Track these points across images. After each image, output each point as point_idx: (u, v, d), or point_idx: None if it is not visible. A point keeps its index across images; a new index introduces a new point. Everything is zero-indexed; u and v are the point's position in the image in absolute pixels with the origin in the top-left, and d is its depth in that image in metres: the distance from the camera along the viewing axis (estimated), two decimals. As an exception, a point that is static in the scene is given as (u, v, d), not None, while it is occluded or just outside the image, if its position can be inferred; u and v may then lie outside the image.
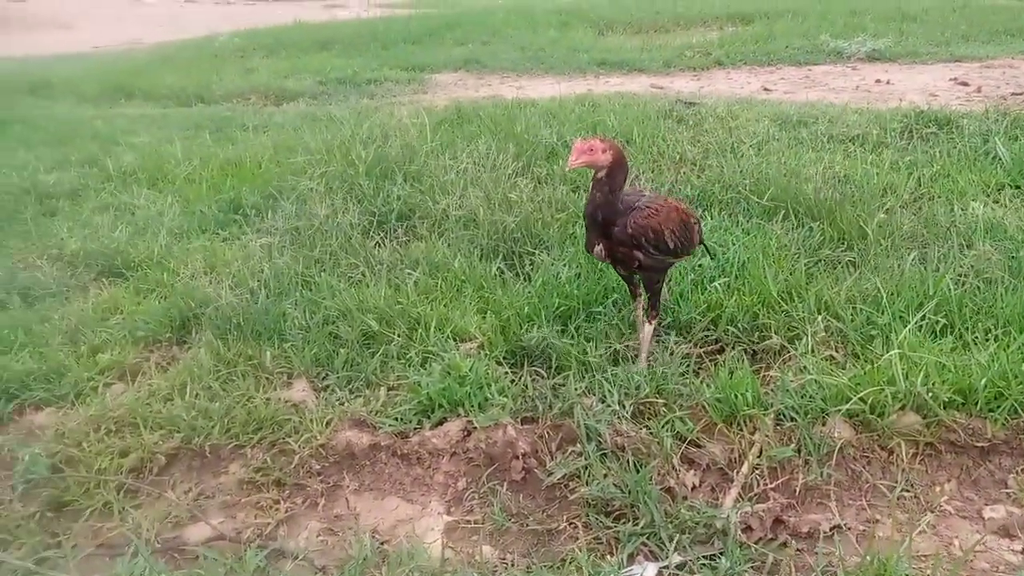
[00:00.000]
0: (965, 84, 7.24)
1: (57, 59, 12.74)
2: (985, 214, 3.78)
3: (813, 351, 2.81)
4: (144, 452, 2.59)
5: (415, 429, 2.65)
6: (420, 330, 3.07)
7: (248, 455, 2.61)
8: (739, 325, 3.01)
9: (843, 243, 3.60)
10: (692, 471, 2.43)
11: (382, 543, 2.28)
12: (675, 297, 3.23)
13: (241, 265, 3.72)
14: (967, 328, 2.86)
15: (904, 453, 2.43)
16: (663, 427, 2.53)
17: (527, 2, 16.80)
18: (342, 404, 2.77)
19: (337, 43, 12.30)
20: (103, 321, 3.39)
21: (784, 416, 2.54)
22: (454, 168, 4.57)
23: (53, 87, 9.74)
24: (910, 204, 4.05)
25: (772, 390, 2.66)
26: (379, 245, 3.92)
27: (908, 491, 2.36)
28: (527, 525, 2.33)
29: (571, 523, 2.32)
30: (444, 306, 3.25)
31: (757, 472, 2.40)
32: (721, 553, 2.12)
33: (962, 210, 3.87)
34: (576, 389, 2.69)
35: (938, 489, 2.38)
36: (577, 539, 2.25)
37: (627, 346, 2.98)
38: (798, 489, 2.36)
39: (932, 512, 2.29)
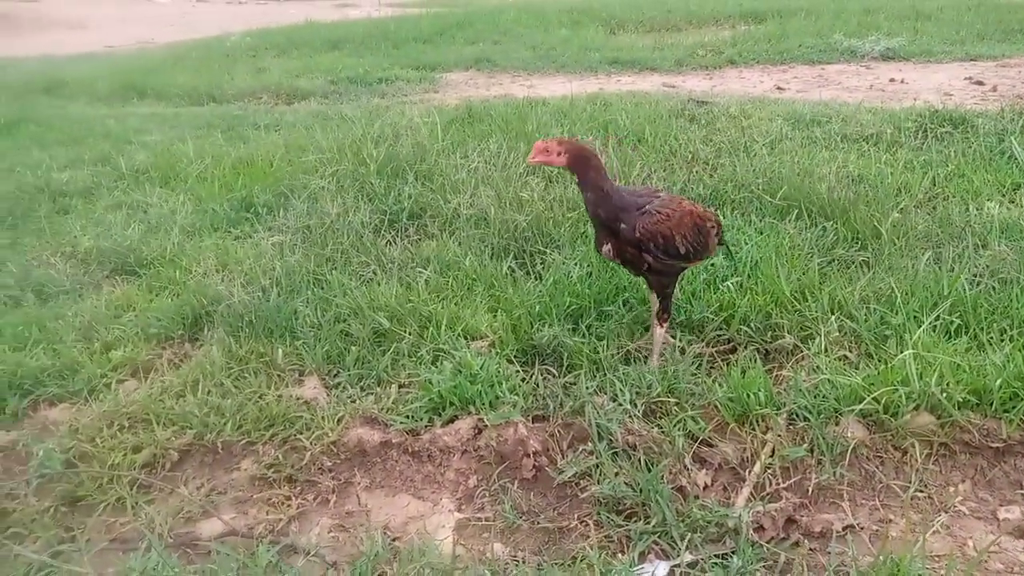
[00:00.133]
0: (980, 83, 7.19)
1: (70, 59, 12.84)
2: (1001, 214, 3.75)
3: (826, 351, 2.79)
4: (157, 448, 2.61)
5: (426, 427, 2.65)
6: (431, 328, 3.08)
7: (260, 452, 2.61)
8: (752, 325, 3.00)
9: (857, 243, 3.58)
10: (704, 470, 2.42)
11: (393, 540, 2.28)
12: (687, 296, 3.21)
13: (253, 263, 3.74)
14: (982, 328, 2.84)
15: (918, 453, 2.41)
16: (675, 426, 2.52)
17: (538, 1, 16.80)
18: (353, 401, 2.78)
19: (348, 42, 12.34)
20: (116, 318, 3.41)
21: (797, 416, 2.53)
22: (465, 167, 4.58)
23: (67, 87, 9.81)
24: (924, 204, 4.02)
25: (785, 390, 2.65)
26: (390, 244, 3.92)
27: (922, 491, 2.34)
28: (538, 523, 2.33)
29: (582, 521, 2.32)
30: (455, 304, 3.26)
31: (769, 472, 2.39)
32: (733, 552, 2.11)
33: (977, 210, 3.84)
34: (587, 388, 2.68)
35: (952, 490, 2.36)
36: (588, 537, 2.24)
37: (639, 347, 2.97)
38: (811, 489, 2.35)
39: (946, 513, 2.27)
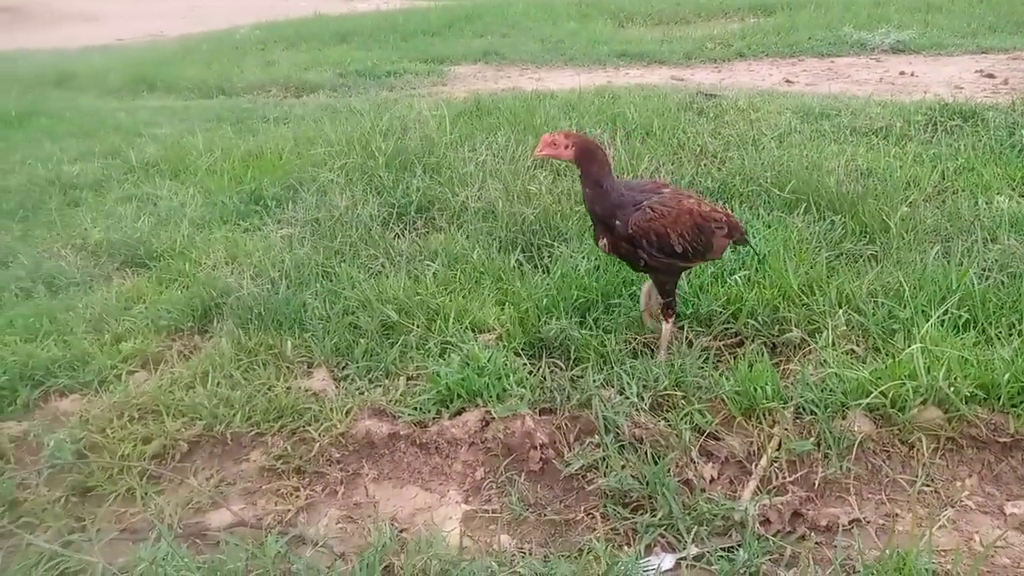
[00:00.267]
0: (991, 76, 7.13)
1: (81, 52, 12.88)
2: (1010, 208, 3.73)
3: (834, 345, 2.79)
4: (167, 439, 2.63)
5: (434, 419, 2.67)
6: (439, 321, 3.09)
7: (269, 443, 2.64)
8: (759, 318, 2.99)
9: (865, 236, 3.57)
10: (710, 464, 2.43)
11: (401, 531, 2.30)
12: (694, 290, 3.21)
13: (262, 255, 3.75)
14: (990, 323, 2.83)
15: (925, 448, 2.40)
16: (682, 419, 2.52)
17: (547, -6, 16.73)
18: (362, 393, 2.80)
19: (357, 35, 12.33)
20: (126, 310, 3.44)
21: (804, 410, 2.53)
22: (473, 160, 4.58)
23: (78, 80, 9.86)
24: (934, 197, 4.00)
25: (792, 383, 2.65)
26: (398, 236, 3.94)
27: (928, 486, 2.34)
28: (545, 515, 2.34)
29: (589, 514, 2.33)
30: (463, 297, 3.27)
31: (776, 465, 2.39)
32: (739, 545, 2.11)
33: (987, 204, 3.82)
34: (594, 381, 2.69)
35: (959, 484, 2.36)
36: (595, 530, 2.26)
37: (646, 342, 2.97)
38: (817, 483, 2.35)
39: (952, 507, 2.27)
